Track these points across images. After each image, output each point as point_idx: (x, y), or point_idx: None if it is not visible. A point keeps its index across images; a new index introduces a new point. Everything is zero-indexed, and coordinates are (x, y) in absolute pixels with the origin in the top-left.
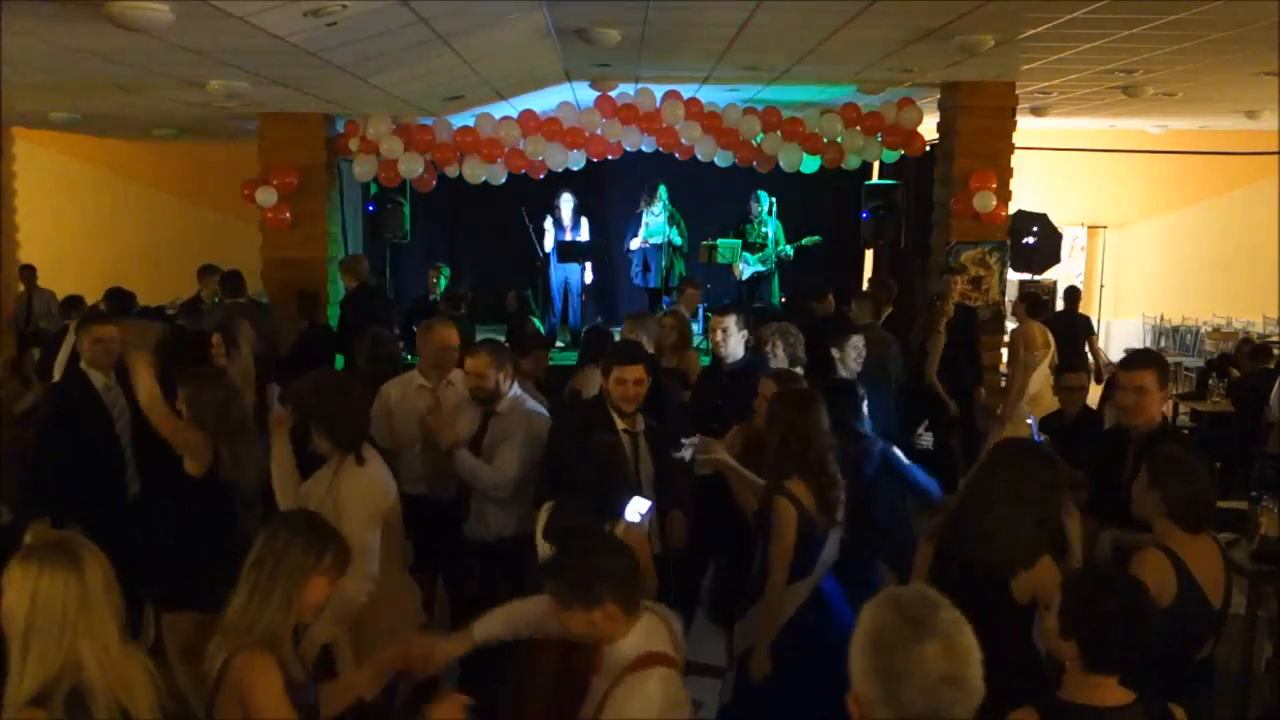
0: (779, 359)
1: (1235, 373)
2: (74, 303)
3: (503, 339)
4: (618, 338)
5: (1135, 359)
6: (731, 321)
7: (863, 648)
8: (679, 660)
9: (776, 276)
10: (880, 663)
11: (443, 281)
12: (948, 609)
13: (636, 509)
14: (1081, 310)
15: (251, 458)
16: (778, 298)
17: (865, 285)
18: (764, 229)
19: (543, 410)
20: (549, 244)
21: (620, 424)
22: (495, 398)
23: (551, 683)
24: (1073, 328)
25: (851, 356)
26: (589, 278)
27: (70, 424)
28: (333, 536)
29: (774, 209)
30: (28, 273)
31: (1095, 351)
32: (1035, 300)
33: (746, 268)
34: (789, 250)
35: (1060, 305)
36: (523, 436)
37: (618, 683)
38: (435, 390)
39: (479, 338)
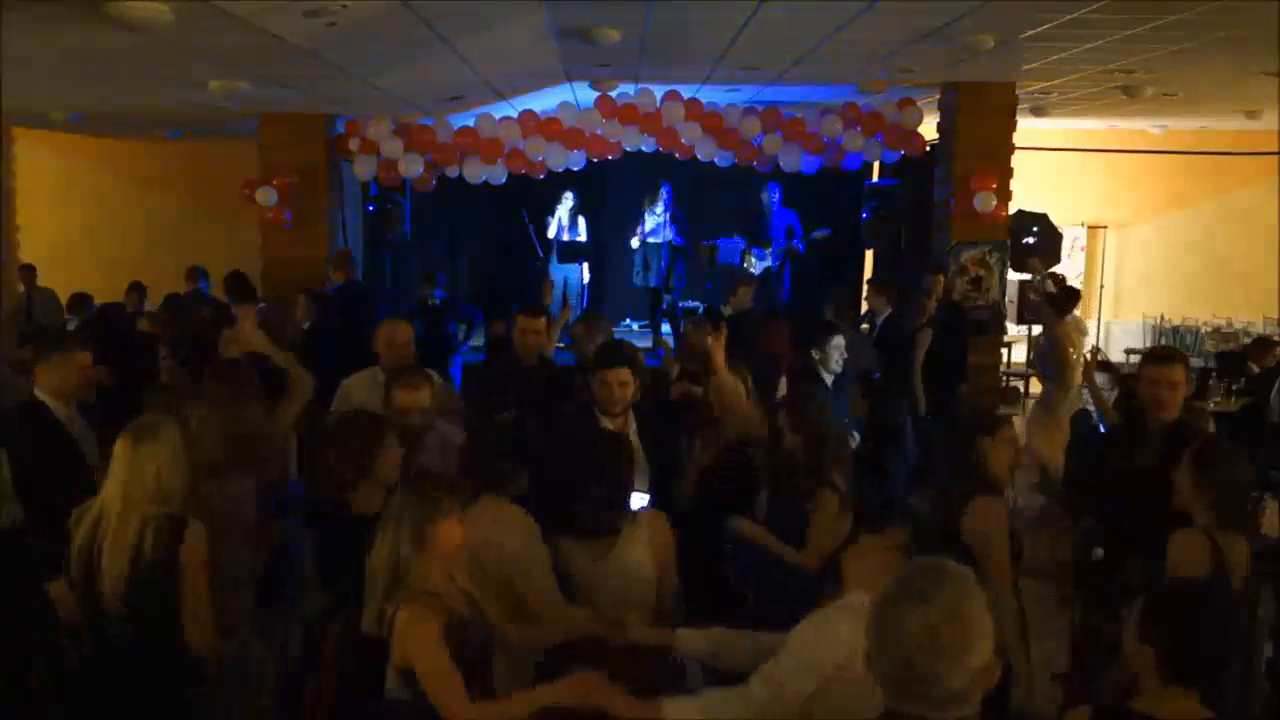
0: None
1: (1255, 369)
2: (80, 301)
3: None
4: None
5: (1164, 354)
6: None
7: (875, 600)
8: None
9: (788, 271)
10: (874, 618)
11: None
12: (956, 585)
13: (636, 504)
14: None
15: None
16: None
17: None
18: (778, 221)
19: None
20: (553, 235)
21: (608, 425)
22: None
23: None
24: None
25: (833, 358)
26: (587, 277)
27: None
28: (444, 481)
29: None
30: (28, 272)
31: None
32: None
33: (760, 263)
34: (797, 247)
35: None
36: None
37: None
38: None
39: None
